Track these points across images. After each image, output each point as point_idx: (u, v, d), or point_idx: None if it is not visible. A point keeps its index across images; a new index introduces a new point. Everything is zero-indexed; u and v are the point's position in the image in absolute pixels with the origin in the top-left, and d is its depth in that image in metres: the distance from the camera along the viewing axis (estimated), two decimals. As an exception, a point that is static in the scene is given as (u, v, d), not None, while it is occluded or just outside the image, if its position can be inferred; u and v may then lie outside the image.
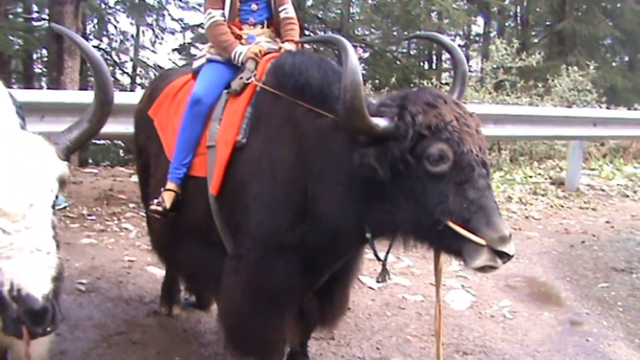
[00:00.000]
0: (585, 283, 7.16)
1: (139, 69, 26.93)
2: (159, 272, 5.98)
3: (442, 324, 3.73)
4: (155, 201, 4.24)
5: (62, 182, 2.84)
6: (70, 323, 5.09)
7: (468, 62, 27.74)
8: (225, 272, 3.94)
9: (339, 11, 24.19)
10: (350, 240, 3.68)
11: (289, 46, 4.34)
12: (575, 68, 16.74)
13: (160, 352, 4.92)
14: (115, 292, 5.79)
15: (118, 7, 25.10)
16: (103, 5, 24.67)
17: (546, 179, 12.53)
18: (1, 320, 2.55)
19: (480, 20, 29.99)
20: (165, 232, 4.56)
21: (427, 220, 3.16)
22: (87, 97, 7.31)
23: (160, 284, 5.66)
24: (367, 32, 26.50)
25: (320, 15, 24.28)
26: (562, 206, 10.65)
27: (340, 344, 5.30)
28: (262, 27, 4.54)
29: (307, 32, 20.87)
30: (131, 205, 8.23)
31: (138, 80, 26.07)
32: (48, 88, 14.92)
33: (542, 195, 11.21)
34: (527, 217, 9.76)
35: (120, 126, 6.76)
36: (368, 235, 3.48)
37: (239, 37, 4.41)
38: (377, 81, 19.77)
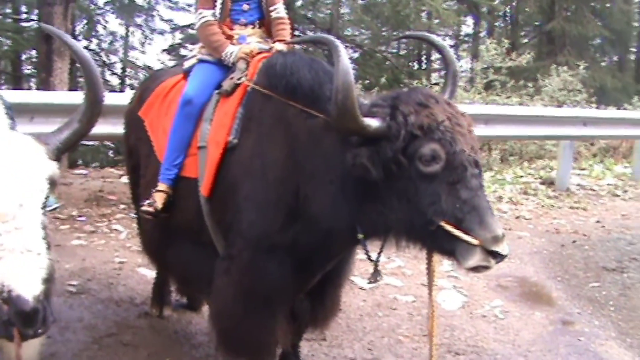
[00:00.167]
0: (576, 283, 7.18)
1: (128, 70, 26.91)
2: (150, 274, 5.94)
3: (435, 325, 3.73)
4: (147, 202, 4.22)
5: (53, 183, 2.83)
6: (61, 325, 5.05)
7: (458, 62, 27.85)
8: (217, 273, 3.92)
9: (328, 11, 24.15)
10: (342, 240, 3.66)
11: (280, 46, 4.33)
12: (565, 68, 16.81)
13: (151, 353, 4.89)
14: (106, 294, 5.76)
15: (107, 7, 25.08)
16: (92, 6, 24.61)
17: (537, 178, 12.54)
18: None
19: (470, 21, 30.08)
20: (156, 233, 4.54)
21: (419, 220, 3.16)
22: (77, 97, 7.24)
23: (151, 285, 5.63)
24: (356, 33, 26.50)
25: (310, 16, 24.26)
26: (553, 206, 10.66)
27: (332, 344, 5.29)
28: (254, 27, 4.52)
29: (296, 33, 20.86)
30: (121, 206, 8.20)
31: (127, 81, 26.05)
32: (37, 89, 14.87)
33: (533, 195, 11.22)
34: (517, 217, 9.76)
35: (110, 127, 6.71)
36: (360, 235, 3.47)
37: (229, 37, 4.39)
38: (367, 81, 19.76)
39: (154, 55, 34.40)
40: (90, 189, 9.00)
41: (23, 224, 2.55)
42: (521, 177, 12.58)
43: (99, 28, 25.80)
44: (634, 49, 32.57)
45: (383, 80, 17.10)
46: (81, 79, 25.54)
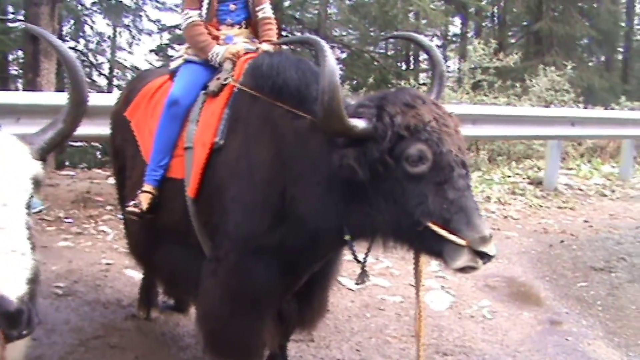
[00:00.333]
0: (564, 282, 7.19)
1: (115, 71, 26.85)
2: (137, 275, 5.90)
3: (423, 325, 3.72)
4: (132, 203, 4.19)
5: (37, 183, 2.81)
6: (47, 327, 5.03)
7: (446, 62, 27.94)
8: (204, 275, 3.90)
9: (316, 12, 24.17)
10: (329, 242, 3.65)
11: (266, 47, 4.31)
12: (553, 68, 16.83)
13: (139, 356, 4.87)
14: (93, 296, 5.72)
15: (95, 8, 24.99)
16: (79, 7, 24.52)
17: (524, 178, 12.56)
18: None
19: (457, 21, 30.13)
20: (142, 234, 4.51)
21: (407, 221, 3.14)
22: (63, 98, 7.19)
23: (138, 287, 5.60)
24: (344, 33, 26.55)
25: (297, 16, 24.28)
26: (541, 206, 10.68)
27: (319, 346, 5.28)
28: (240, 28, 4.50)
29: (284, 33, 20.86)
30: (108, 207, 8.15)
31: (115, 81, 25.94)
32: (24, 90, 14.80)
33: (521, 195, 11.23)
34: (505, 217, 9.77)
35: (96, 128, 6.68)
36: (347, 237, 3.46)
37: (216, 38, 4.37)
38: (354, 82, 19.79)
39: (141, 56, 34.41)
40: (77, 190, 8.95)
41: (7, 224, 2.52)
42: (509, 177, 12.59)
43: (87, 29, 25.76)
44: (621, 49, 32.72)
45: (371, 80, 17.04)
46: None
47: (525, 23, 29.73)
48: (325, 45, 3.17)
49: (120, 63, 26.76)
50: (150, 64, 23.73)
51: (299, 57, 4.02)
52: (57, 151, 18.70)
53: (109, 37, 27.30)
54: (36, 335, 4.82)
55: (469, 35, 29.09)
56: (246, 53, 4.21)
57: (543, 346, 5.66)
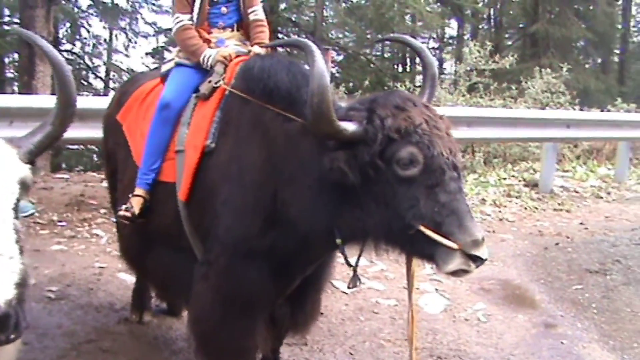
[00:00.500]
0: (559, 285, 7.17)
1: (112, 73, 26.90)
2: (130, 279, 5.87)
3: (416, 329, 3.70)
4: (124, 207, 4.17)
5: (25, 186, 2.78)
6: (39, 331, 5.00)
7: (442, 64, 28.00)
8: (195, 278, 3.87)
9: (312, 14, 24.17)
10: (320, 245, 3.62)
11: (258, 49, 4.29)
12: (549, 70, 16.84)
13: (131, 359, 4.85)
14: (86, 300, 5.70)
15: (91, 11, 25.01)
16: (76, 9, 24.54)
17: (520, 181, 12.57)
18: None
19: (454, 23, 30.19)
20: (134, 238, 4.48)
21: (398, 225, 3.11)
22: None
23: (131, 291, 5.56)
24: (340, 35, 26.55)
25: (294, 19, 24.29)
26: (536, 208, 10.68)
27: (313, 349, 5.26)
28: (232, 31, 4.47)
29: (280, 36, 20.86)
30: (102, 210, 8.13)
31: (111, 84, 26.00)
32: (19, 93, 14.80)
33: (516, 197, 11.23)
34: (501, 220, 9.77)
35: (90, 131, 6.66)
36: (338, 241, 3.43)
37: (207, 41, 4.35)
38: (350, 84, 19.78)
39: (137, 59, 34.42)
40: (71, 193, 8.93)
41: (-7, 227, 2.50)
42: (504, 179, 12.61)
43: (83, 31, 25.78)
44: (617, 51, 32.78)
45: (367, 83, 17.03)
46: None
47: (521, 25, 29.77)
48: (314, 47, 3.15)
49: (117, 66, 26.84)
50: (147, 66, 23.79)
51: (291, 60, 3.99)
52: (53, 154, 18.73)
53: (105, 39, 27.32)
54: (28, 340, 4.80)
55: (465, 37, 29.08)
56: (237, 56, 4.19)
57: (538, 349, 5.63)
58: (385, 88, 17.82)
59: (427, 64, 3.90)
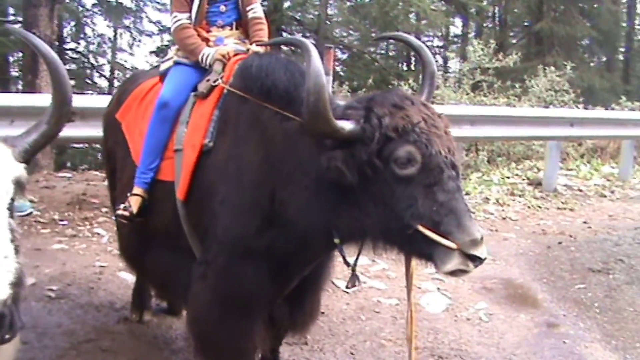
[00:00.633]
0: (562, 284, 7.14)
1: (116, 72, 26.87)
2: (131, 278, 5.86)
3: (416, 328, 3.69)
4: (122, 206, 4.16)
5: (20, 185, 2.77)
6: (39, 331, 5.00)
7: (446, 63, 27.96)
8: (194, 278, 3.85)
9: (317, 13, 24.14)
10: (318, 245, 3.60)
11: (257, 48, 4.27)
12: (552, 68, 16.78)
13: (130, 359, 4.83)
14: (86, 299, 5.68)
15: (95, 9, 25.00)
16: (80, 8, 24.54)
17: (524, 179, 12.53)
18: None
19: (459, 22, 30.12)
20: (132, 237, 4.47)
21: (396, 224, 3.09)
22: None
23: (131, 290, 5.55)
24: (344, 34, 26.51)
25: (298, 17, 24.27)
26: (540, 207, 10.65)
27: (313, 349, 5.24)
28: (231, 29, 4.46)
29: (284, 34, 20.84)
30: (104, 209, 8.11)
31: (116, 83, 25.96)
32: (23, 91, 14.80)
33: (520, 196, 11.20)
34: (504, 218, 9.74)
35: (92, 130, 6.65)
36: (336, 240, 3.41)
37: (205, 40, 4.34)
38: (354, 83, 19.75)
39: (142, 57, 34.36)
40: (73, 192, 8.92)
41: (-12, 227, 2.49)
42: (508, 178, 12.57)
43: (87, 30, 25.78)
44: (622, 49, 32.68)
45: (370, 81, 16.99)
46: (70, 81, 25.54)
47: (526, 23, 29.71)
48: (310, 46, 3.12)
49: (121, 64, 26.83)
50: (151, 65, 23.72)
51: (289, 58, 3.97)
52: (57, 153, 18.74)
53: (109, 38, 27.34)
54: (27, 339, 4.80)
55: (470, 35, 29.03)
56: (236, 54, 4.17)
57: (540, 349, 5.61)
58: (390, 86, 17.76)
59: (426, 62, 3.88)
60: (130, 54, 27.52)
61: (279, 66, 3.72)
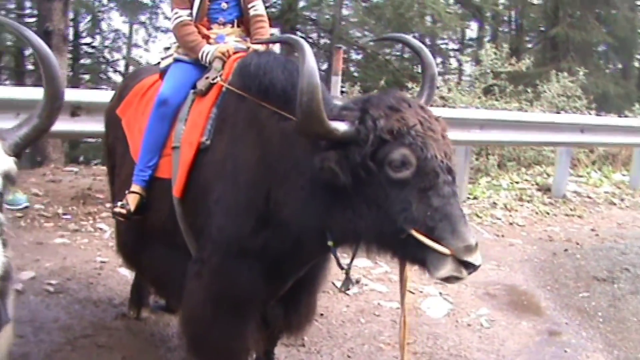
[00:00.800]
0: (566, 292, 7.08)
1: (131, 68, 26.89)
2: (130, 274, 5.81)
3: (409, 334, 3.65)
4: (119, 203, 4.15)
5: (9, 179, 2.75)
6: (36, 325, 4.99)
7: (461, 66, 27.89)
8: (188, 276, 3.84)
9: (332, 13, 24.11)
10: (313, 247, 3.56)
11: (256, 46, 4.24)
12: (565, 74, 16.68)
13: (126, 356, 4.81)
14: (85, 294, 5.66)
15: (111, 5, 25.08)
16: (96, 3, 24.63)
17: (533, 185, 12.43)
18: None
19: (474, 25, 30.03)
20: (130, 234, 4.46)
21: (389, 228, 3.05)
22: (67, 94, 7.20)
23: (130, 286, 5.54)
24: (359, 35, 26.45)
25: (314, 17, 24.26)
26: (548, 213, 10.56)
27: (310, 351, 5.21)
28: (232, 27, 4.43)
29: (299, 34, 20.84)
30: (108, 205, 8.02)
31: (130, 79, 26.02)
32: (36, 85, 14.84)
33: (528, 201, 11.11)
34: (511, 224, 9.66)
35: (98, 125, 6.64)
36: (330, 243, 3.38)
37: (206, 37, 4.31)
38: (368, 84, 19.72)
39: (157, 54, 34.44)
40: (79, 186, 8.90)
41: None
42: (517, 183, 12.47)
43: (103, 25, 25.87)
44: (638, 56, 32.46)
45: (382, 83, 16.91)
46: (84, 76, 25.80)
47: (542, 28, 29.58)
48: (304, 44, 3.08)
49: (136, 60, 26.84)
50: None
51: (288, 57, 3.94)
52: (70, 147, 18.77)
53: (124, 34, 27.41)
54: (23, 332, 4.80)
55: (485, 39, 28.93)
56: (236, 52, 4.15)
57: (540, 357, 5.58)
58: (402, 88, 17.72)
59: (427, 64, 3.83)
60: (146, 49, 27.58)
61: (277, 65, 3.69)
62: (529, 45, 30.22)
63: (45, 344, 4.79)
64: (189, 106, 4.04)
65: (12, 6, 22.71)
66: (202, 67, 4.19)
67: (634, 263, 7.75)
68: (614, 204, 11.88)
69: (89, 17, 25.30)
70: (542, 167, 13.94)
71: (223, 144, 3.76)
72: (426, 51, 3.91)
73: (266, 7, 4.53)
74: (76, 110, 6.88)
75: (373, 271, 6.88)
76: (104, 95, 7.08)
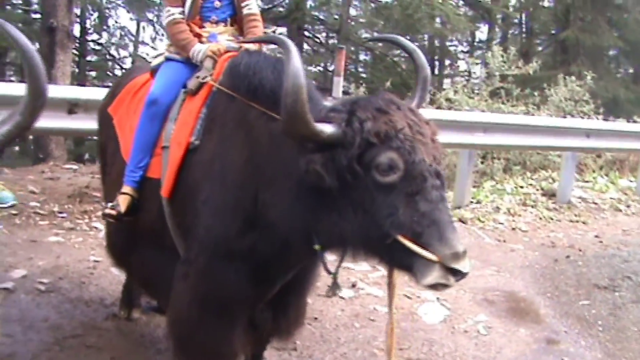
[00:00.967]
0: (566, 300, 6.99)
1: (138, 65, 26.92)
2: (123, 274, 5.79)
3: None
4: (110, 205, 4.10)
5: None
6: (25, 324, 4.95)
7: (470, 68, 27.80)
8: (176, 277, 3.78)
9: (340, 13, 24.07)
10: (300, 250, 3.49)
11: (247, 45, 4.17)
12: (573, 78, 16.56)
13: (115, 357, 4.76)
14: (76, 293, 5.62)
15: (119, 2, 25.11)
16: (104, 0, 24.67)
17: (537, 189, 12.34)
18: None
19: (485, 28, 29.98)
20: (120, 235, 4.42)
21: (376, 233, 2.97)
22: (63, 91, 7.16)
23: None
24: (367, 35, 26.41)
25: (322, 17, 24.23)
26: (552, 218, 10.48)
27: (302, 355, 5.13)
28: (225, 25, 4.38)
29: (306, 34, 20.79)
30: (104, 203, 8.07)
31: (137, 76, 26.06)
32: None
33: (532, 206, 11.03)
34: (513, 229, 9.59)
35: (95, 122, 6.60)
36: (317, 247, 3.30)
37: (198, 36, 4.26)
38: (374, 85, 19.66)
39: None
40: (76, 184, 8.87)
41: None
42: (522, 187, 12.38)
43: (110, 22, 25.92)
44: (649, 61, 32.34)
45: (388, 84, 16.81)
46: (90, 73, 25.87)
47: (552, 31, 29.49)
48: (290, 44, 3.01)
49: (143, 57, 26.84)
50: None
51: (278, 57, 3.86)
52: (75, 144, 18.76)
53: (129, 31, 27.47)
54: (12, 331, 4.76)
55: (495, 42, 28.85)
56: (228, 51, 4.08)
57: (537, 365, 5.49)
58: (409, 90, 17.65)
59: (419, 66, 3.75)
60: (152, 47, 27.61)
61: (267, 65, 3.62)
62: (539, 49, 30.13)
63: (34, 343, 4.74)
64: (179, 105, 3.99)
65: (19, 1, 22.73)
66: (193, 66, 4.14)
67: (636, 271, 7.66)
68: (620, 210, 11.79)
69: (96, 14, 25.34)
70: (548, 171, 13.83)
71: (212, 144, 3.69)
72: (419, 52, 3.83)
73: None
74: (73, 107, 6.82)
75: (370, 275, 6.81)
76: (102, 93, 7.04)
